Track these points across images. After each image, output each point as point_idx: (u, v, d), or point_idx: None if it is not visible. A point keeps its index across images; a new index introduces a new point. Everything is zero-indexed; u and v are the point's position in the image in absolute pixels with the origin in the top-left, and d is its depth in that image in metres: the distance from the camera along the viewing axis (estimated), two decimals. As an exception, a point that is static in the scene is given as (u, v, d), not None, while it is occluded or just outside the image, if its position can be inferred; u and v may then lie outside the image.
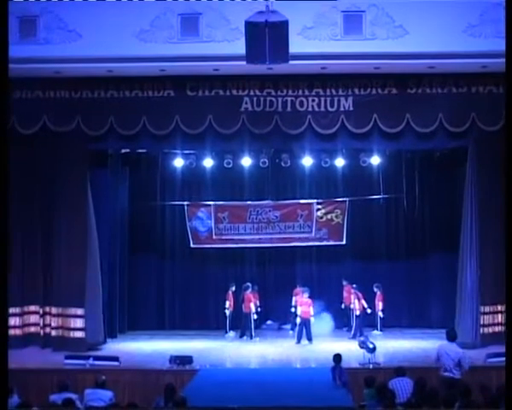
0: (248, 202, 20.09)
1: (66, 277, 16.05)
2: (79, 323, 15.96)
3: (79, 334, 15.93)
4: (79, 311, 15.96)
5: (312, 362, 15.28)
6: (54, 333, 16.35)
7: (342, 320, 19.29)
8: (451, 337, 11.73)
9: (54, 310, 16.38)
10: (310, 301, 17.66)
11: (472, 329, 15.87)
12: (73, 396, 9.73)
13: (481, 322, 15.84)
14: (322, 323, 18.45)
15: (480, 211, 15.93)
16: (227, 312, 18.87)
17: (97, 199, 16.74)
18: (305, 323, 17.41)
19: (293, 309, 18.57)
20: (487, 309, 15.98)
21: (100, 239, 16.80)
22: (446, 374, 11.32)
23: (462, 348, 11.94)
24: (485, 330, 15.93)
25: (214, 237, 19.97)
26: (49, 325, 16.48)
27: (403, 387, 10.22)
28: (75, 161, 16.10)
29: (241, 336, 18.32)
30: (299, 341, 17.34)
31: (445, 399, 8.83)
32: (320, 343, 16.95)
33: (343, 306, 19.17)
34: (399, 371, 10.84)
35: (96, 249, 16.46)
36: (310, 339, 17.30)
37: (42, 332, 16.65)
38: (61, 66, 14.57)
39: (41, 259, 16.74)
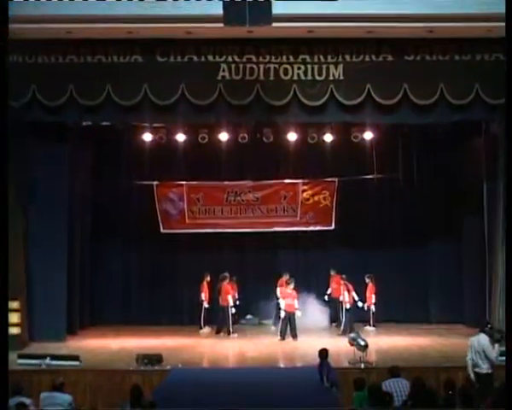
0: (226, 182, 20.09)
1: None
2: (15, 318, 15.80)
3: (14, 330, 15.78)
4: (15, 304, 15.80)
5: (297, 361, 15.32)
6: None
7: (330, 314, 19.40)
8: (482, 328, 11.78)
9: None
10: (295, 293, 17.66)
11: (504, 323, 15.87)
12: (27, 401, 9.63)
13: None
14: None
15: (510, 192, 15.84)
16: (202, 305, 18.85)
17: (54, 178, 16.63)
18: (290, 317, 17.42)
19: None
20: None
21: (57, 223, 16.71)
22: (475, 370, 11.45)
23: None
24: None
25: (187, 220, 19.97)
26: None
27: (398, 389, 10.21)
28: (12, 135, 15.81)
29: (218, 333, 18.33)
30: (282, 337, 17.37)
31: (444, 402, 8.88)
32: (306, 340, 16.97)
33: (326, 298, 19.25)
34: (394, 372, 10.84)
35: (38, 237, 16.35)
36: (295, 335, 17.32)
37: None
38: (12, 26, 14.21)
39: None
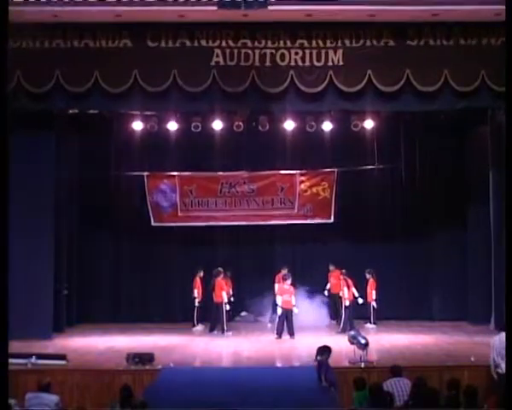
0: (220, 173, 20.09)
1: None
2: None
3: None
4: None
5: (294, 360, 15.34)
6: None
7: (329, 311, 19.44)
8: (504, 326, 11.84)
9: None
10: (292, 289, 17.67)
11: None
12: (12, 401, 9.65)
13: None
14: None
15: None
16: (195, 302, 18.87)
17: (39, 168, 16.63)
18: (287, 314, 17.44)
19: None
20: None
21: (42, 216, 16.72)
22: (497, 370, 11.50)
23: None
24: None
25: (179, 213, 19.96)
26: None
27: (399, 389, 10.27)
28: None
29: (212, 330, 18.34)
30: (279, 335, 17.39)
31: (447, 402, 8.92)
32: (303, 338, 17.00)
33: (326, 293, 19.27)
34: (395, 371, 10.89)
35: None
36: (292, 333, 17.35)
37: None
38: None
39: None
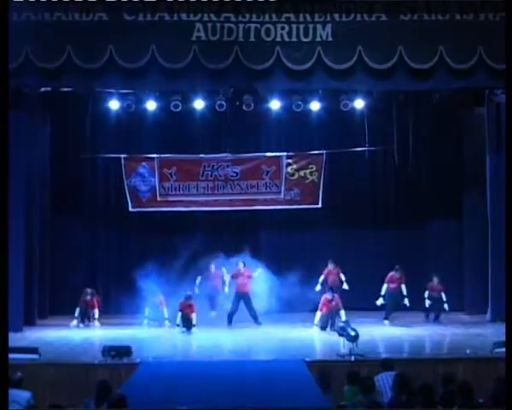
0: (201, 155, 20.03)
1: None
2: None
3: None
4: None
5: (281, 353, 15.33)
6: None
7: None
8: None
9: None
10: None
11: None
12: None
13: None
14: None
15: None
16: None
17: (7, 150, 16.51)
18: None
19: None
20: None
21: (12, 202, 16.49)
22: None
23: None
24: None
25: (158, 198, 19.90)
26: None
27: (391, 384, 10.28)
28: None
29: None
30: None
31: (442, 398, 8.94)
32: (291, 330, 17.06)
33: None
34: (387, 365, 10.91)
35: None
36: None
37: None
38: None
39: None
